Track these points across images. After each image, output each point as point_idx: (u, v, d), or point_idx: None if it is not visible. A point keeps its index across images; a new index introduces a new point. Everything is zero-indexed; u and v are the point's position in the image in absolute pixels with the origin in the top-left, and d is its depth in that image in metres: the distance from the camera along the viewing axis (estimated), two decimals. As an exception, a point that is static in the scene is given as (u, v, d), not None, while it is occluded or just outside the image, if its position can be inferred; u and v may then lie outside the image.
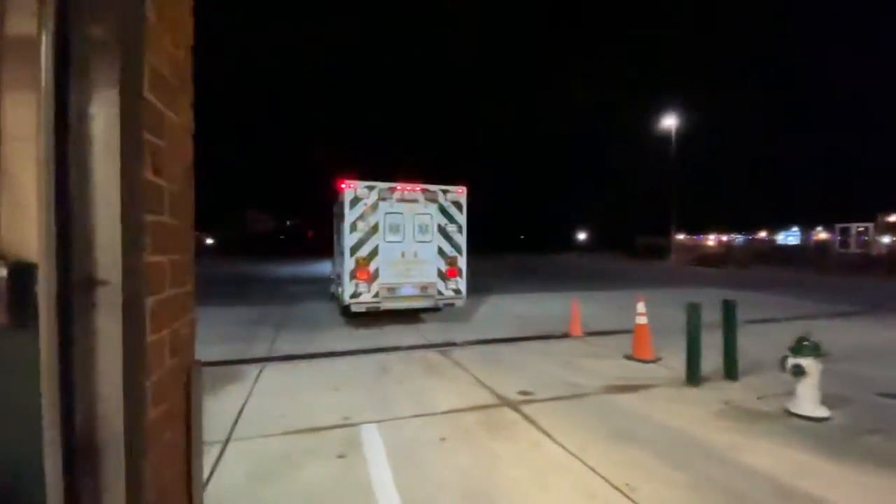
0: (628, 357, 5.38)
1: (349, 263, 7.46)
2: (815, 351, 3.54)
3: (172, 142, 0.93)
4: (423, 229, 7.96)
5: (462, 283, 8.19)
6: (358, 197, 7.60)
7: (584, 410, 3.67)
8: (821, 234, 25.62)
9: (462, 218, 8.26)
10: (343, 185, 7.69)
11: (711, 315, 8.37)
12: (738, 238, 27.01)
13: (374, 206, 7.64)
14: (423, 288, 7.88)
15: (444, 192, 8.18)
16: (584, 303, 8.25)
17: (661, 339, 5.61)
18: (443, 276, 8.02)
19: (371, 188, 7.70)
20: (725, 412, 3.66)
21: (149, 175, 0.78)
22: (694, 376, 4.34)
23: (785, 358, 3.68)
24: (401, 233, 7.81)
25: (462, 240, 8.26)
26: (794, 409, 3.60)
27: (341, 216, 7.81)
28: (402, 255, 7.79)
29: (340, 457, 2.89)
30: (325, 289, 12.11)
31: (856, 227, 26.84)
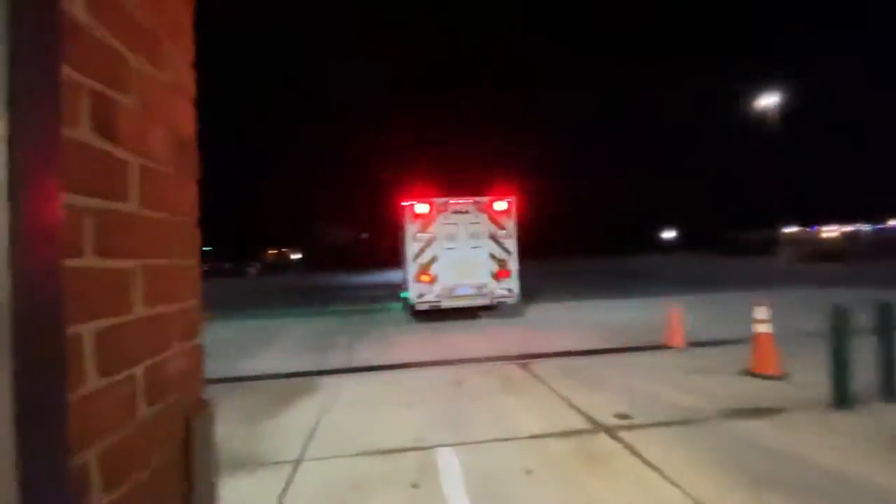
0: (747, 372, 4.52)
1: (413, 269, 8.70)
2: None
3: (149, 102, 0.67)
4: (475, 236, 8.97)
5: (514, 284, 8.97)
6: (418, 212, 8.84)
7: (702, 441, 3.03)
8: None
9: (511, 224, 9.07)
10: (405, 203, 8.97)
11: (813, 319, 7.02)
12: (865, 228, 22.99)
13: (432, 219, 8.86)
14: (478, 288, 8.90)
15: (494, 202, 9.12)
16: (680, 308, 7.26)
17: (783, 351, 4.66)
18: (495, 277, 8.94)
19: (428, 203, 8.91)
20: (900, 448, 2.81)
21: (81, 134, 0.51)
22: (843, 397, 3.46)
23: None
24: (456, 240, 8.89)
25: (512, 244, 9.02)
26: None
27: (405, 229, 8.95)
28: (458, 260, 8.85)
29: (414, 486, 2.59)
30: (396, 295, 12.37)
31: None
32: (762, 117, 26.68)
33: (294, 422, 3.65)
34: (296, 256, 68.43)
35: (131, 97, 0.63)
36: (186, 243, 0.81)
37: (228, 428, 3.57)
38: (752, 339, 4.56)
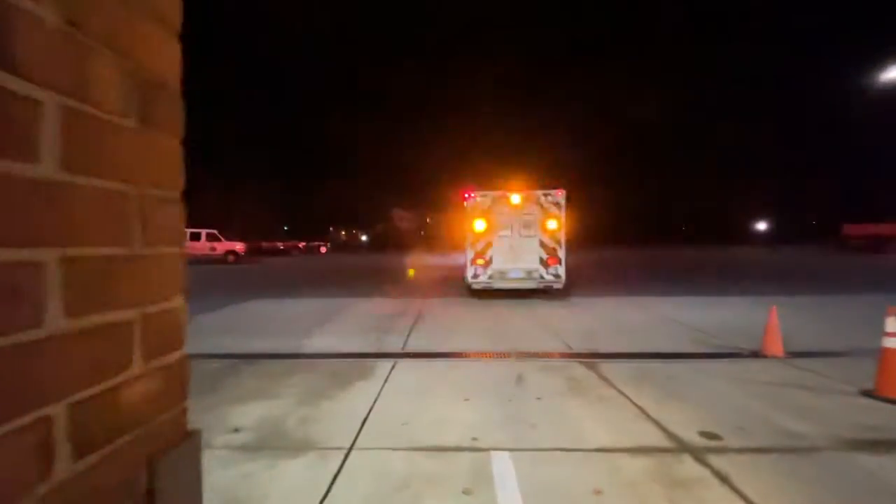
0: (868, 393, 3.77)
1: (471, 253, 10.00)
2: None
3: (88, 21, 0.46)
4: (527, 225, 9.96)
5: (561, 270, 9.96)
6: (477, 203, 10.08)
7: (813, 476, 2.50)
8: None
9: (561, 214, 9.96)
10: (466, 195, 10.22)
11: None
12: None
13: (489, 210, 10.01)
14: (528, 272, 9.90)
15: (546, 194, 10.03)
16: (780, 311, 6.22)
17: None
18: (544, 264, 9.91)
19: (486, 195, 10.09)
20: None
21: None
22: None
23: None
24: (509, 229, 9.96)
25: (561, 233, 9.93)
26: None
27: (465, 217, 10.23)
28: (511, 246, 9.92)
29: (466, 493, 2.38)
30: (457, 277, 13.27)
31: None
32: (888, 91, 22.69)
33: (349, 406, 3.59)
34: (364, 238, 71.13)
35: (48, 6, 0.43)
36: (160, 225, 0.61)
37: (287, 406, 3.61)
38: (880, 354, 3.77)
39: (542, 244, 9.93)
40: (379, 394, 3.89)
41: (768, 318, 5.28)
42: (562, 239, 9.97)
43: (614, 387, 4.05)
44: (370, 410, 3.50)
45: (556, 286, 9.90)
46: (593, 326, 6.82)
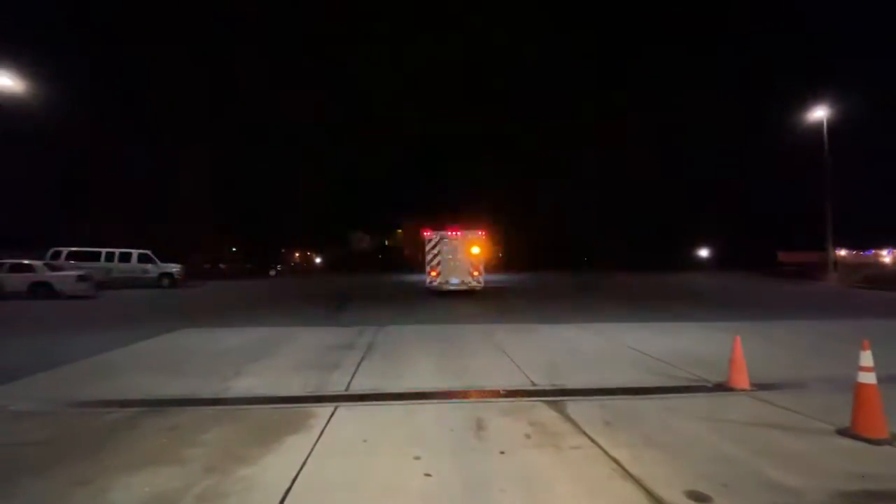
0: (845, 433, 3.53)
1: (428, 268, 17.15)
2: None
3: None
4: (460, 252, 17.16)
5: (481, 278, 17.44)
6: (430, 238, 17.23)
7: (826, 553, 2.11)
8: None
9: (482, 245, 17.49)
10: (425, 232, 17.49)
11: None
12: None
13: (438, 242, 17.14)
14: (461, 280, 17.07)
15: (471, 232, 17.36)
16: (726, 337, 6.10)
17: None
18: (469, 275, 17.15)
19: (436, 234, 17.24)
20: None
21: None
22: None
23: None
24: (450, 254, 17.08)
25: (481, 256, 17.49)
26: None
27: (424, 246, 17.26)
28: (451, 265, 17.03)
29: None
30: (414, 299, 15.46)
31: None
32: (810, 134, 24.96)
33: (270, 473, 2.89)
34: (319, 260, 68.94)
35: None
36: None
37: (189, 476, 2.86)
38: (855, 390, 3.56)
39: (470, 263, 17.25)
40: (310, 453, 3.20)
41: (733, 348, 5.07)
42: (482, 259, 17.63)
43: (585, 433, 3.60)
44: (296, 479, 2.82)
45: (477, 288, 17.49)
46: (554, 357, 6.42)
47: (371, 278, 34.77)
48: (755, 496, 2.60)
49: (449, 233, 17.29)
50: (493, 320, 10.56)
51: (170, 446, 3.32)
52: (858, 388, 3.53)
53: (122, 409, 4.21)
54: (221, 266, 37.82)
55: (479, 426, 3.75)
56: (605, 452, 3.23)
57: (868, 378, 3.49)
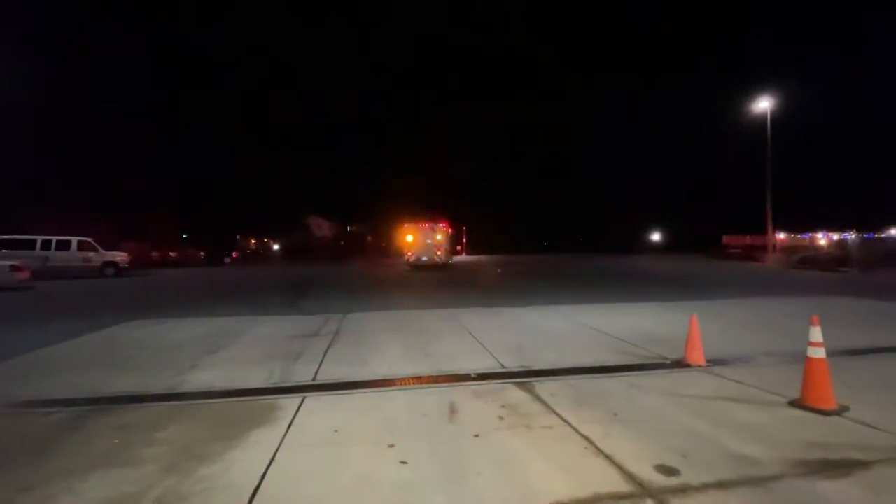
0: (796, 404, 3.78)
1: (407, 249, 26.81)
2: None
3: None
4: (428, 237, 26.13)
5: (443, 256, 26.35)
6: (408, 228, 26.73)
7: (785, 516, 2.23)
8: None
9: (443, 233, 26.44)
10: (404, 225, 27.22)
11: (853, 334, 6.42)
12: (852, 236, 22.95)
13: (413, 231, 26.50)
14: (429, 257, 25.97)
15: (435, 224, 26.49)
16: (680, 316, 6.46)
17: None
18: (434, 254, 26.02)
19: (412, 224, 26.70)
20: None
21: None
22: (944, 452, 2.73)
23: None
24: (422, 237, 26.20)
25: (444, 240, 26.50)
26: None
27: (405, 234, 26.77)
28: (421, 246, 26.12)
29: None
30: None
31: None
32: (760, 121, 26.39)
33: (235, 471, 2.74)
34: (277, 247, 66.68)
35: None
36: None
37: (146, 478, 2.66)
38: (805, 364, 3.80)
39: (434, 246, 25.95)
40: (279, 446, 3.07)
41: (689, 327, 5.30)
42: (443, 243, 26.24)
43: (555, 412, 3.66)
44: (265, 474, 2.68)
45: (439, 262, 25.96)
46: (521, 339, 6.51)
47: (334, 266, 34.02)
48: (718, 467, 2.72)
49: (420, 225, 26.41)
50: (458, 304, 10.58)
51: (122, 447, 3.08)
52: (808, 363, 3.77)
53: (67, 408, 3.88)
54: (172, 254, 35.81)
55: (452, 410, 3.73)
56: (576, 431, 3.29)
57: (817, 353, 3.72)
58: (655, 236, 60.72)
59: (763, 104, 25.77)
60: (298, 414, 3.69)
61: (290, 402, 3.96)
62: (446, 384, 4.49)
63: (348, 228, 69.69)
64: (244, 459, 2.88)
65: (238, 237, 61.18)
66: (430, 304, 10.90)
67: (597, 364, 5.19)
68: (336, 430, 3.35)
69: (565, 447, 3.03)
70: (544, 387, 4.35)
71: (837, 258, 21.78)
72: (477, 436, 3.22)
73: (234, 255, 50.01)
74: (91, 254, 21.16)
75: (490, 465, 2.78)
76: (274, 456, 2.93)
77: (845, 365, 4.79)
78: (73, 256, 20.78)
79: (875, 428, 3.27)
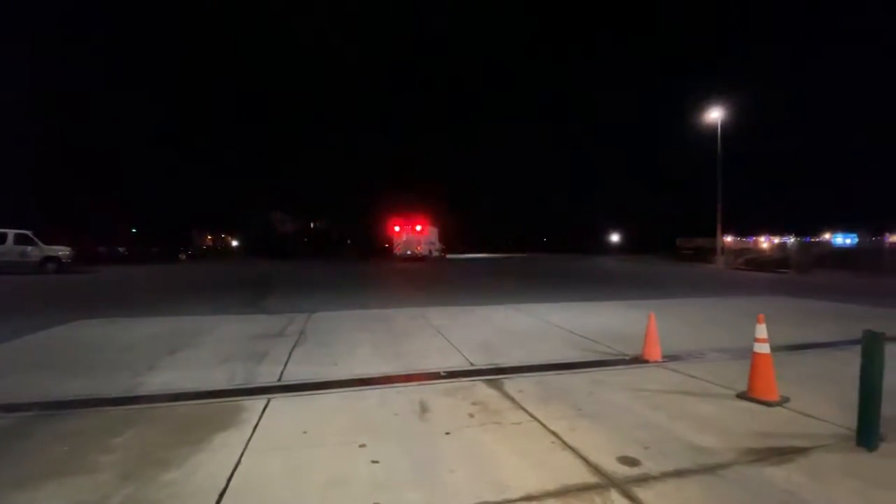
0: (744, 396, 4.05)
1: (396, 243, 35.04)
2: None
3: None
4: (410, 234, 34.58)
5: (423, 251, 35.14)
6: (399, 228, 35.04)
7: (741, 502, 2.40)
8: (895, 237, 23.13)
9: (433, 233, 36.67)
10: (394, 225, 35.64)
11: (792, 331, 6.95)
12: (791, 240, 24.74)
13: (403, 228, 34.90)
14: (412, 251, 34.57)
15: (418, 224, 34.89)
16: (638, 313, 6.84)
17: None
18: (416, 248, 34.68)
19: (399, 224, 35.11)
20: (963, 510, 2.34)
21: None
22: (870, 436, 3.01)
23: None
24: (405, 236, 34.68)
25: (434, 239, 36.89)
26: None
27: (396, 234, 35.41)
28: (406, 242, 34.65)
29: None
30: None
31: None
32: (712, 130, 27.89)
33: (200, 475, 2.65)
34: (236, 243, 64.29)
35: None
36: None
37: (102, 487, 2.53)
38: (752, 358, 4.08)
39: (416, 241, 34.36)
40: (245, 449, 2.99)
41: (647, 324, 5.57)
42: (423, 239, 35.02)
43: (524, 409, 3.76)
44: (231, 478, 2.61)
45: (419, 255, 34.06)
46: (488, 337, 6.62)
47: (298, 263, 33.19)
48: (677, 456, 2.90)
49: (405, 224, 34.21)
50: (424, 303, 10.60)
51: (75, 454, 2.91)
52: (754, 357, 4.05)
53: (11, 413, 3.61)
54: (120, 249, 33.84)
55: (423, 409, 3.76)
56: (544, 426, 3.40)
57: (762, 348, 4.00)
58: (615, 237, 62.95)
59: (714, 114, 27.31)
60: (264, 416, 3.61)
61: (255, 404, 3.86)
62: (417, 383, 4.51)
63: (312, 225, 68.11)
64: (209, 464, 2.79)
65: (194, 232, 58.52)
66: (398, 302, 10.87)
67: (562, 361, 5.36)
68: (305, 432, 3.30)
69: (534, 442, 3.13)
70: (513, 384, 4.45)
71: (778, 260, 23.42)
72: (448, 433, 3.27)
73: (189, 251, 47.81)
74: (29, 248, 19.69)
75: (462, 461, 2.83)
76: (240, 459, 2.85)
77: (786, 359, 5.18)
78: (10, 250, 19.27)
79: (813, 417, 3.56)
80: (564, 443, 3.10)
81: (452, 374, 4.79)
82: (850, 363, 3.24)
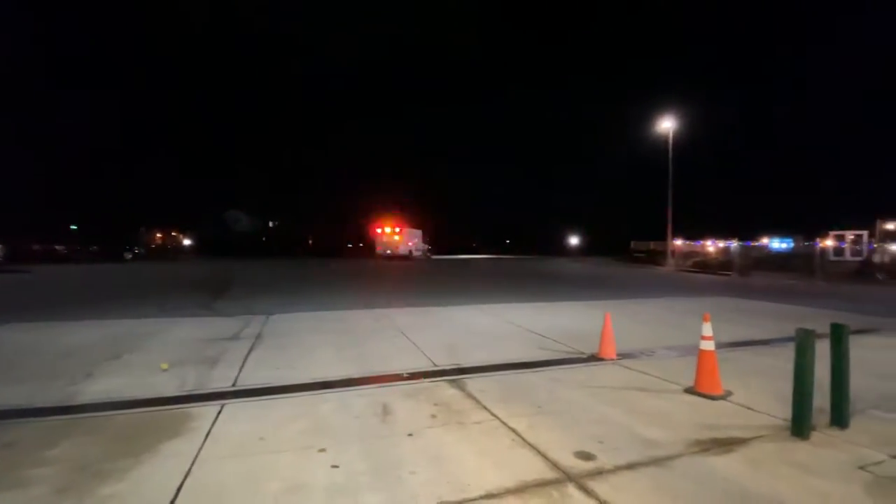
0: (691, 391, 4.28)
1: (379, 244, 37.88)
2: None
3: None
4: (389, 236, 37.94)
5: (401, 250, 37.86)
6: (383, 230, 38.16)
7: (683, 490, 2.53)
8: (826, 242, 25.09)
9: (418, 235, 40.98)
10: (376, 227, 38.93)
11: (735, 329, 7.39)
12: (734, 244, 26.44)
13: (382, 230, 38.17)
14: (391, 251, 37.37)
15: (395, 226, 38.22)
16: (594, 313, 7.11)
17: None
18: (395, 248, 37.60)
19: (382, 225, 38.25)
20: (875, 485, 2.57)
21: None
22: (802, 426, 3.25)
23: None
24: (385, 237, 38.14)
25: (417, 239, 40.55)
26: (976, 487, 2.54)
27: (378, 235, 38.47)
28: (385, 243, 37.93)
29: None
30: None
31: (851, 234, 26.52)
32: (663, 139, 29.33)
33: (146, 486, 2.51)
34: (188, 241, 61.24)
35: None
36: None
37: (35, 502, 2.34)
38: (698, 355, 4.31)
39: (393, 243, 37.30)
40: (196, 458, 2.85)
41: (603, 323, 5.77)
42: (401, 241, 37.72)
43: (485, 408, 3.80)
44: (179, 489, 2.48)
45: (399, 254, 36.97)
46: (451, 337, 6.65)
47: (256, 263, 32.02)
48: (629, 449, 3.02)
49: (386, 228, 37.44)
50: (386, 304, 10.51)
51: (6, 468, 2.68)
52: (700, 354, 4.28)
53: (-80, 429, 3.27)
54: (58, 248, 31.46)
55: (385, 411, 3.72)
56: (505, 424, 3.45)
57: (708, 346, 4.24)
58: (574, 240, 64.90)
59: (666, 124, 28.77)
60: (217, 422, 3.46)
61: (207, 411, 3.70)
62: (379, 385, 4.46)
63: (271, 224, 65.99)
64: (155, 475, 2.64)
65: (142, 229, 55.23)
66: (361, 303, 10.71)
67: (523, 360, 5.46)
68: (261, 438, 3.19)
69: (495, 440, 3.17)
70: (475, 383, 4.49)
71: (722, 263, 24.92)
72: (410, 435, 3.25)
73: (136, 249, 45.10)
74: (-50, 246, 17.92)
75: (423, 462, 2.82)
76: (190, 469, 2.72)
77: (729, 356, 5.52)
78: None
79: (753, 409, 3.81)
80: (524, 440, 3.17)
81: (415, 376, 4.77)
82: (786, 359, 3.50)
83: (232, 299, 11.65)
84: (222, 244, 50.00)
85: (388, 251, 36.88)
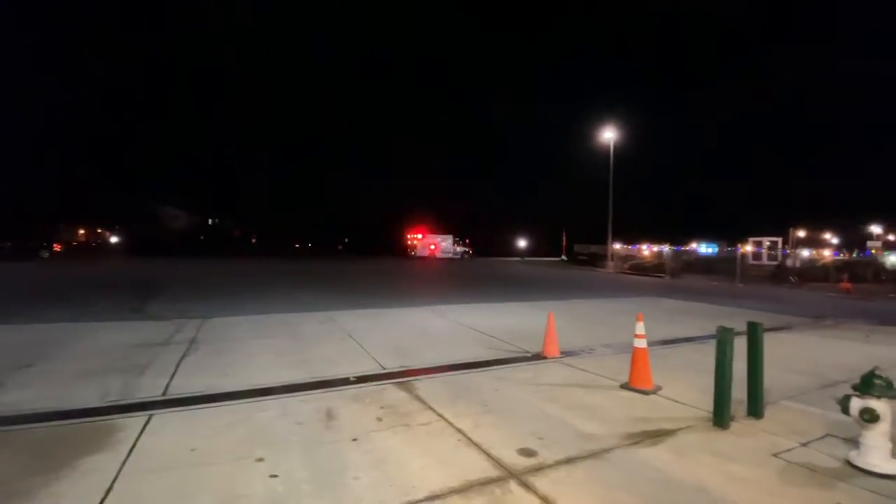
0: (625, 386, 4.54)
1: (417, 245, 47.42)
2: (891, 390, 2.86)
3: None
4: (433, 240, 48.10)
5: (460, 252, 48.60)
6: (416, 235, 48.57)
7: (617, 482, 2.68)
8: (746, 247, 27.57)
9: (449, 239, 48.64)
10: (415, 234, 49.12)
11: (665, 327, 7.92)
12: (665, 248, 28.42)
13: (426, 236, 48.19)
14: (444, 252, 46.89)
15: (448, 235, 48.82)
16: (540, 314, 7.38)
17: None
18: (433, 248, 47.18)
19: (421, 233, 48.75)
20: (786, 471, 2.86)
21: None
22: (723, 417, 3.55)
23: (848, 398, 2.98)
24: (426, 240, 47.90)
25: (448, 244, 48.20)
26: (861, 464, 2.88)
27: (416, 239, 48.28)
28: (438, 246, 47.64)
29: None
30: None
31: (767, 241, 29.33)
32: (605, 148, 30.92)
33: (58, 507, 2.29)
34: (115, 239, 56.57)
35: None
36: None
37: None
38: (632, 353, 4.58)
39: (429, 244, 47.36)
40: (118, 473, 2.64)
41: (547, 323, 5.98)
42: (456, 244, 48.90)
43: (432, 409, 3.81)
44: (100, 508, 2.29)
45: (454, 257, 46.04)
46: (401, 339, 6.61)
47: (192, 263, 30.09)
48: (568, 444, 3.15)
49: (421, 235, 46.34)
50: (338, 306, 10.27)
51: None
52: (634, 352, 4.56)
53: None
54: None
55: (329, 416, 3.63)
56: (451, 424, 3.49)
57: (641, 343, 4.52)
58: (522, 243, 66.76)
59: (608, 134, 30.41)
60: (144, 434, 3.23)
61: (133, 422, 3.43)
62: (323, 390, 4.34)
63: (210, 221, 62.38)
64: (73, 492, 2.42)
65: (62, 226, 50.35)
66: (307, 306, 10.37)
67: (471, 360, 5.54)
68: (193, 449, 3.01)
69: (441, 441, 3.19)
70: (422, 385, 4.50)
71: (656, 265, 26.69)
72: (355, 439, 3.20)
73: (55, 247, 41.03)
74: None
75: (368, 466, 2.79)
76: (112, 485, 2.52)
77: (661, 352, 5.91)
78: None
79: (680, 402, 4.10)
80: (469, 439, 3.21)
81: (362, 379, 4.70)
82: (710, 354, 3.82)
83: (164, 301, 10.87)
84: (154, 242, 46.53)
85: (424, 252, 46.00)
